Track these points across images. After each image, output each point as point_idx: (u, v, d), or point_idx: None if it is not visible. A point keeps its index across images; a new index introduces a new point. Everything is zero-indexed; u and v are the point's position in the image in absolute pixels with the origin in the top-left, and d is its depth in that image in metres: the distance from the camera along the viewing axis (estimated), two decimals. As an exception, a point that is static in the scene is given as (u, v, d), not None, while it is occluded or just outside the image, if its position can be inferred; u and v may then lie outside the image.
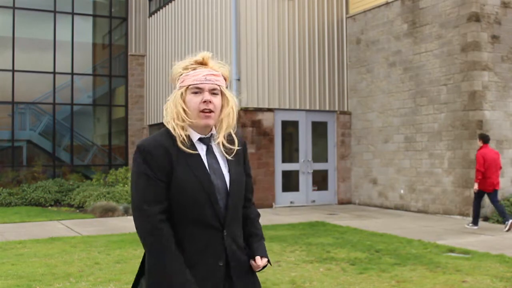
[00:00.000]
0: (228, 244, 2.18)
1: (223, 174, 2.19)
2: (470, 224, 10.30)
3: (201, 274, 2.11)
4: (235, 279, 2.20)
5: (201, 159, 2.16)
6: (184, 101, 2.15)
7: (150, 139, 2.16)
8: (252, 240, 2.38)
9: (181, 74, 2.18)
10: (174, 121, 2.14)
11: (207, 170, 2.15)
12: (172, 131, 2.14)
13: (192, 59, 2.20)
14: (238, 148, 2.26)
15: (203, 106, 2.14)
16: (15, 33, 17.53)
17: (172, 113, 2.15)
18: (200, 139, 2.19)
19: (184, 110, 2.14)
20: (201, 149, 2.19)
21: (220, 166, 2.20)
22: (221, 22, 14.49)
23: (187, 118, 2.14)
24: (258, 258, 2.32)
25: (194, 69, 2.18)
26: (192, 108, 2.14)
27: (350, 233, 9.57)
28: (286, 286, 5.90)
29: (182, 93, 2.15)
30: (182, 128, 2.16)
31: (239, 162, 2.28)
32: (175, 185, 2.10)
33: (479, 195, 10.29)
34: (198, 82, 2.14)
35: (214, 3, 14.83)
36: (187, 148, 2.14)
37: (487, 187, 10.05)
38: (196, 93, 2.15)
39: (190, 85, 2.15)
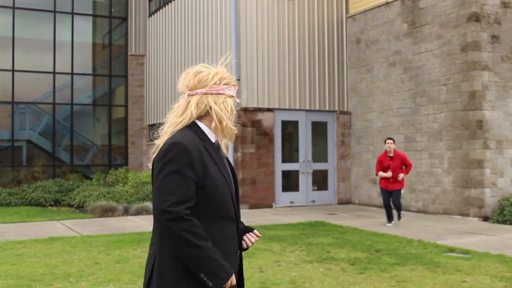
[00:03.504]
0: (239, 235, 2.44)
1: (231, 174, 2.44)
2: None
3: (228, 264, 2.29)
4: (240, 267, 2.47)
5: (223, 160, 2.41)
6: None
7: (184, 137, 2.25)
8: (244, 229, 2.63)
9: (224, 83, 2.40)
10: (230, 120, 2.37)
11: (227, 169, 2.41)
12: (226, 130, 2.36)
13: (234, 78, 2.48)
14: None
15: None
16: (15, 33, 17.53)
17: (229, 113, 2.38)
18: (214, 142, 2.41)
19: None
20: (219, 150, 2.43)
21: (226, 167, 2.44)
22: (221, 22, 14.49)
23: (233, 121, 2.41)
24: (255, 231, 2.57)
25: (235, 86, 2.46)
26: (233, 115, 2.42)
27: (350, 233, 9.58)
28: (286, 286, 5.90)
29: (230, 101, 2.41)
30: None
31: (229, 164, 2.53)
32: (209, 183, 2.25)
33: None
34: (236, 98, 2.47)
35: (214, 3, 14.83)
36: (214, 149, 2.35)
37: None
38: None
39: (234, 97, 2.44)
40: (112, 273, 6.45)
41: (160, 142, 2.32)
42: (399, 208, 10.62)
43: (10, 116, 17.52)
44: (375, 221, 11.26)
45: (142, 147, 19.38)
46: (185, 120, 2.32)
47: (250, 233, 2.53)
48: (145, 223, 11.05)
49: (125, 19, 19.35)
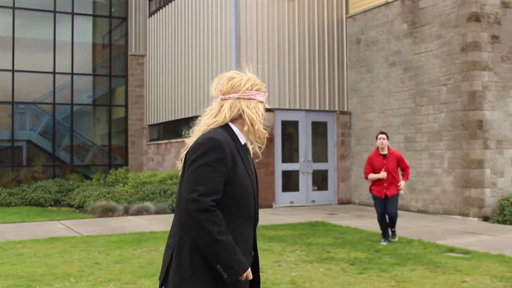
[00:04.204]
0: (255, 236, 2.54)
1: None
2: None
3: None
4: (256, 267, 2.56)
5: (250, 162, 2.53)
6: None
7: (218, 134, 2.38)
8: None
9: (255, 89, 2.51)
10: (261, 124, 2.51)
11: (254, 171, 2.52)
12: (257, 133, 2.50)
13: (264, 85, 2.60)
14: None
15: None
16: (15, 33, 17.53)
17: (261, 117, 2.51)
18: (245, 144, 2.53)
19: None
20: (247, 152, 2.55)
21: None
22: (221, 22, 14.49)
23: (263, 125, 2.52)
24: None
25: (265, 93, 2.57)
26: (263, 120, 2.55)
27: (350, 233, 9.58)
28: (286, 286, 5.90)
29: (261, 106, 2.54)
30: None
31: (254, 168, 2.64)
32: (237, 181, 2.36)
33: None
34: (266, 104, 2.61)
35: (214, 3, 14.83)
36: (243, 150, 2.48)
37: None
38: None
39: (264, 102, 2.57)
40: (112, 273, 6.45)
41: (191, 141, 2.43)
42: (393, 221, 8.70)
43: (10, 116, 17.52)
44: (375, 221, 11.23)
45: (142, 147, 19.39)
46: (219, 122, 2.45)
47: None
48: (145, 223, 11.05)
49: (125, 19, 19.35)
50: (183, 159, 2.43)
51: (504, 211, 11.03)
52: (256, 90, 2.51)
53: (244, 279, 2.32)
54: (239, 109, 2.46)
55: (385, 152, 8.70)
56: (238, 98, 2.47)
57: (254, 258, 2.55)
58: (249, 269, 2.32)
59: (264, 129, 2.54)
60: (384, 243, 8.45)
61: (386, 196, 8.64)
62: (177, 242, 2.35)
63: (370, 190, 8.87)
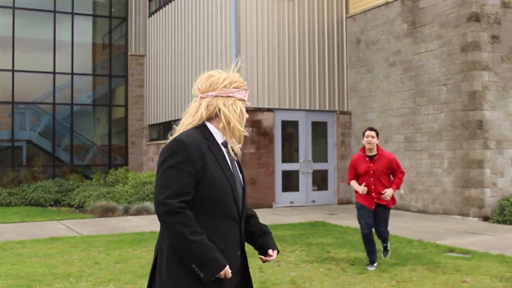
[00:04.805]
0: (242, 235, 2.50)
1: (237, 176, 2.50)
2: None
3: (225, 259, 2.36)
4: (246, 268, 2.53)
5: (227, 160, 2.47)
6: None
7: (187, 135, 2.37)
8: (263, 233, 2.67)
9: (233, 86, 2.49)
10: (239, 122, 2.46)
11: (231, 170, 2.46)
12: (234, 131, 2.44)
13: (245, 83, 2.57)
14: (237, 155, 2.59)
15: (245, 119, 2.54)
16: (15, 33, 17.52)
17: (238, 115, 2.46)
18: (222, 143, 2.49)
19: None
20: (225, 151, 2.49)
21: (234, 169, 2.51)
22: (221, 22, 14.49)
23: (243, 124, 2.49)
24: (271, 250, 2.62)
25: (246, 90, 2.54)
26: (244, 118, 2.52)
27: (350, 233, 9.57)
28: (286, 286, 5.90)
29: (240, 103, 2.49)
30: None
31: (238, 167, 2.59)
32: (207, 180, 2.34)
33: None
34: (247, 101, 2.57)
35: (214, 3, 14.83)
36: (218, 149, 2.44)
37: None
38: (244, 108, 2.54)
39: (244, 100, 2.52)
40: (112, 273, 6.45)
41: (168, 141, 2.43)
42: (385, 237, 7.02)
43: (10, 116, 17.52)
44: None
45: (142, 147, 19.39)
46: (195, 121, 2.45)
47: (262, 255, 2.60)
48: (145, 223, 11.05)
49: (125, 19, 19.34)
50: None
51: (504, 211, 11.03)
52: (235, 87, 2.48)
53: (224, 277, 2.30)
54: (215, 107, 2.45)
55: (373, 153, 6.87)
56: (216, 96, 2.46)
57: (243, 258, 2.52)
58: (227, 267, 2.30)
59: (244, 127, 2.51)
60: (371, 268, 6.70)
61: (376, 208, 6.87)
62: (158, 246, 2.39)
63: (356, 197, 7.02)
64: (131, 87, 19.28)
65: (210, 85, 2.47)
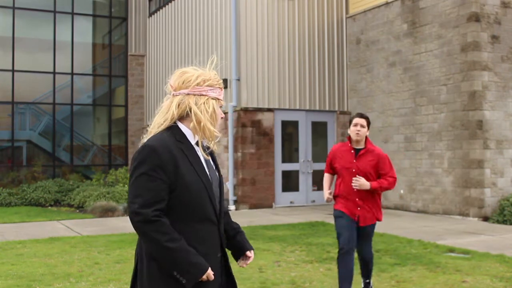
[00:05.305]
0: (222, 237, 2.43)
1: (213, 175, 2.42)
2: None
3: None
4: (228, 268, 2.48)
5: (201, 161, 2.37)
6: None
7: (157, 139, 2.28)
8: (235, 233, 2.60)
9: (207, 84, 2.39)
10: (210, 123, 2.35)
11: (206, 171, 2.37)
12: (204, 131, 2.34)
13: (220, 81, 2.45)
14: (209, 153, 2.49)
15: (220, 119, 2.43)
16: (15, 33, 17.53)
17: (209, 114, 2.35)
18: (196, 143, 2.39)
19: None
20: (198, 151, 2.39)
21: (210, 168, 2.43)
22: (221, 22, 14.49)
23: (215, 124, 2.38)
24: (249, 252, 2.59)
25: (220, 89, 2.44)
26: (218, 118, 2.40)
27: (350, 233, 9.56)
28: (286, 286, 5.90)
29: (213, 103, 2.38)
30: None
31: (213, 165, 2.50)
32: (181, 185, 2.25)
33: None
34: (222, 100, 2.45)
35: (214, 3, 14.83)
36: (191, 150, 2.34)
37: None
38: (219, 107, 2.43)
39: (218, 99, 2.41)
40: (112, 273, 6.46)
41: (142, 142, 2.35)
42: (368, 268, 5.40)
43: (10, 116, 17.52)
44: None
45: (142, 147, 19.37)
46: (167, 121, 2.35)
47: (241, 259, 2.57)
48: (145, 223, 11.04)
49: (125, 19, 19.35)
50: None
51: (504, 211, 11.03)
52: (209, 85, 2.38)
53: (206, 280, 2.25)
54: (186, 106, 2.35)
55: (360, 146, 5.18)
56: (188, 94, 2.36)
57: (225, 259, 2.47)
58: (209, 270, 2.25)
59: (217, 127, 2.41)
60: None
61: (358, 222, 5.12)
62: (139, 252, 2.33)
63: (335, 203, 5.28)
64: (131, 87, 19.29)
65: (183, 83, 2.38)
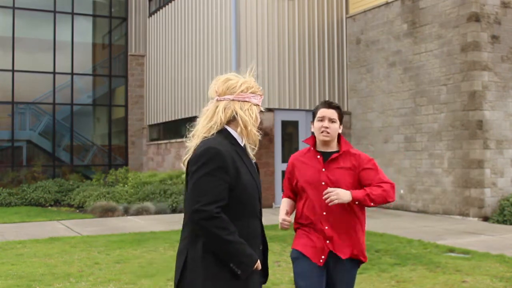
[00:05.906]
0: (263, 231, 2.71)
1: (256, 175, 2.64)
2: None
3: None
4: (266, 258, 2.78)
5: (252, 163, 2.62)
6: None
7: (218, 143, 2.45)
8: None
9: (250, 92, 2.56)
10: (254, 126, 2.57)
11: (256, 172, 2.63)
12: (250, 135, 2.55)
13: (261, 88, 2.64)
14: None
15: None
16: (15, 33, 17.53)
17: (254, 119, 2.56)
18: (244, 145, 2.61)
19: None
20: (249, 154, 2.63)
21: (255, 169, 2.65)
22: (221, 22, 14.49)
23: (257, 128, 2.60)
24: None
25: (261, 96, 2.63)
26: (258, 123, 2.61)
27: (350, 233, 9.55)
28: (286, 286, 5.90)
29: (255, 109, 2.58)
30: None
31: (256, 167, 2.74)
32: (239, 185, 2.46)
33: None
34: (262, 107, 2.65)
35: (214, 3, 14.83)
36: (244, 152, 2.56)
37: None
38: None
39: (259, 105, 2.61)
40: (112, 273, 6.46)
41: (192, 144, 2.52)
42: None
43: (10, 116, 17.52)
44: (374, 221, 11.26)
45: (142, 147, 19.39)
46: (216, 125, 2.51)
47: None
48: (145, 223, 11.05)
49: (125, 19, 19.35)
50: (186, 166, 2.52)
51: (504, 211, 11.03)
52: (252, 92, 2.56)
53: (255, 270, 2.49)
54: (233, 111, 2.51)
55: (331, 149, 3.48)
56: (233, 100, 2.52)
57: (264, 250, 2.72)
58: (258, 261, 2.50)
59: (257, 131, 2.61)
60: None
61: (328, 260, 3.35)
62: (189, 247, 2.47)
63: (295, 239, 3.53)
64: (131, 87, 19.29)
65: (228, 89, 2.53)
